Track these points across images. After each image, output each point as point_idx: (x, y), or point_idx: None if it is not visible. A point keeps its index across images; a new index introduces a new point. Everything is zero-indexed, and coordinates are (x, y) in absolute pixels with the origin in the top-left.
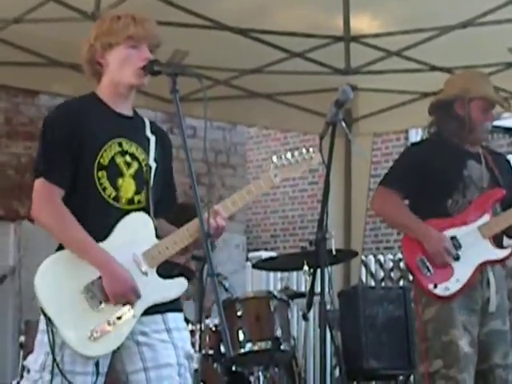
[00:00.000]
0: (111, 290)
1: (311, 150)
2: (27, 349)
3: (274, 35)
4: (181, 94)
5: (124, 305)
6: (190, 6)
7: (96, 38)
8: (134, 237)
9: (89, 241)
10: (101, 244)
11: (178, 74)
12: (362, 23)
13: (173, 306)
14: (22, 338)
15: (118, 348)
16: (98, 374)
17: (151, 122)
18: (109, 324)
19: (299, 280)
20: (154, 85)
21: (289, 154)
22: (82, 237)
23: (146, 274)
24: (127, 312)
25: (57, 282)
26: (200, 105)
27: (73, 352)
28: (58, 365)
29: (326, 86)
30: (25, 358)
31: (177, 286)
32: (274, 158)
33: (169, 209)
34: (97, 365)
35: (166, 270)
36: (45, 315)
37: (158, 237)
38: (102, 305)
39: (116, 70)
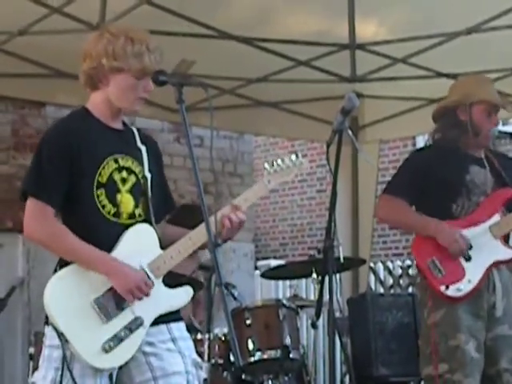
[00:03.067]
0: (123, 288)
1: (300, 155)
2: (37, 360)
3: (280, 44)
4: (187, 104)
5: (139, 299)
6: (195, 15)
7: (107, 57)
8: (139, 248)
9: (87, 249)
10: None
11: (184, 84)
12: (367, 31)
13: (175, 315)
14: (32, 350)
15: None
16: None
17: (139, 131)
18: (120, 336)
19: (308, 288)
20: (160, 95)
21: (280, 161)
22: (79, 247)
23: (152, 284)
24: (136, 323)
25: (66, 298)
26: (206, 114)
27: (82, 366)
28: (74, 379)
29: (331, 94)
30: (34, 369)
31: (183, 295)
32: (266, 165)
33: (168, 212)
34: (110, 378)
35: (173, 281)
36: (56, 330)
37: (162, 247)
38: (113, 318)
39: (117, 94)
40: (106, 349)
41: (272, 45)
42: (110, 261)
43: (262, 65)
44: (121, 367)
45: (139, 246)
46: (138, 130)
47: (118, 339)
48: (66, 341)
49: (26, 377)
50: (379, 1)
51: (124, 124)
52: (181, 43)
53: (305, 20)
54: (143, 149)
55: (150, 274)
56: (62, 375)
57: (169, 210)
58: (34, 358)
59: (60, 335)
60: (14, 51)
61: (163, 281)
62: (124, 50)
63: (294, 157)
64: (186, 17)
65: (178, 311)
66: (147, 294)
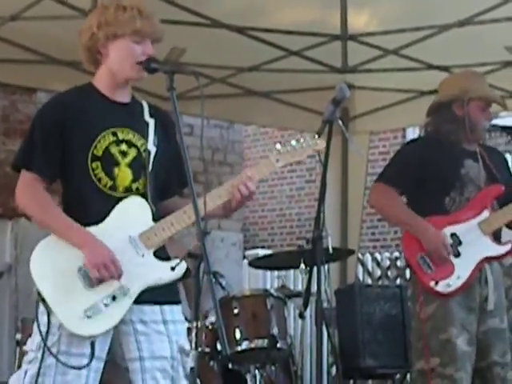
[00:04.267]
0: (91, 261)
1: (316, 136)
2: (24, 346)
3: (272, 33)
4: (178, 92)
5: (109, 278)
6: (187, 3)
7: (99, 26)
8: (130, 220)
9: (67, 222)
10: (95, 227)
11: (175, 72)
12: (359, 22)
13: (171, 297)
14: (19, 336)
15: (118, 334)
16: (92, 355)
17: (150, 105)
18: (103, 303)
19: (296, 278)
20: (150, 82)
21: (294, 141)
22: (60, 219)
23: (142, 255)
24: (122, 291)
25: (51, 263)
26: (197, 103)
27: (70, 333)
28: (47, 346)
29: (323, 85)
30: (21, 356)
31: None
32: (278, 146)
33: (181, 187)
34: (92, 346)
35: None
36: (39, 295)
37: (155, 220)
38: (96, 284)
39: (117, 61)
40: (88, 315)
41: (264, 34)
42: (83, 234)
43: (254, 54)
44: (113, 339)
45: (130, 217)
46: (150, 105)
47: (100, 307)
48: (47, 307)
49: (12, 363)
50: None
51: (133, 98)
52: (172, 31)
53: (297, 10)
54: (151, 122)
55: (140, 245)
56: (46, 339)
57: (182, 185)
58: (21, 345)
59: (40, 300)
60: (5, 37)
61: (155, 254)
62: (115, 16)
63: (309, 137)
64: (179, 5)
65: (176, 293)
66: (114, 277)
